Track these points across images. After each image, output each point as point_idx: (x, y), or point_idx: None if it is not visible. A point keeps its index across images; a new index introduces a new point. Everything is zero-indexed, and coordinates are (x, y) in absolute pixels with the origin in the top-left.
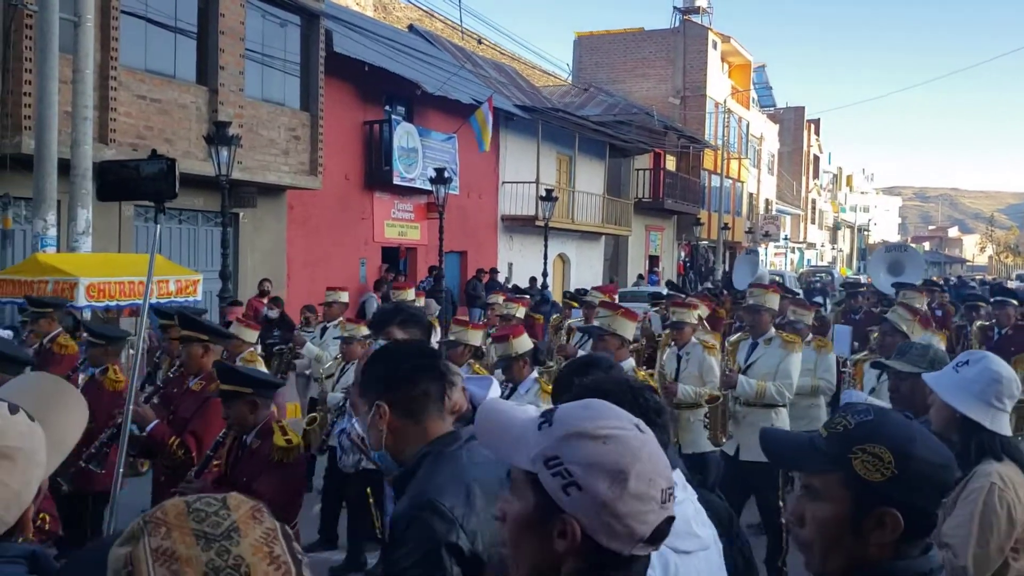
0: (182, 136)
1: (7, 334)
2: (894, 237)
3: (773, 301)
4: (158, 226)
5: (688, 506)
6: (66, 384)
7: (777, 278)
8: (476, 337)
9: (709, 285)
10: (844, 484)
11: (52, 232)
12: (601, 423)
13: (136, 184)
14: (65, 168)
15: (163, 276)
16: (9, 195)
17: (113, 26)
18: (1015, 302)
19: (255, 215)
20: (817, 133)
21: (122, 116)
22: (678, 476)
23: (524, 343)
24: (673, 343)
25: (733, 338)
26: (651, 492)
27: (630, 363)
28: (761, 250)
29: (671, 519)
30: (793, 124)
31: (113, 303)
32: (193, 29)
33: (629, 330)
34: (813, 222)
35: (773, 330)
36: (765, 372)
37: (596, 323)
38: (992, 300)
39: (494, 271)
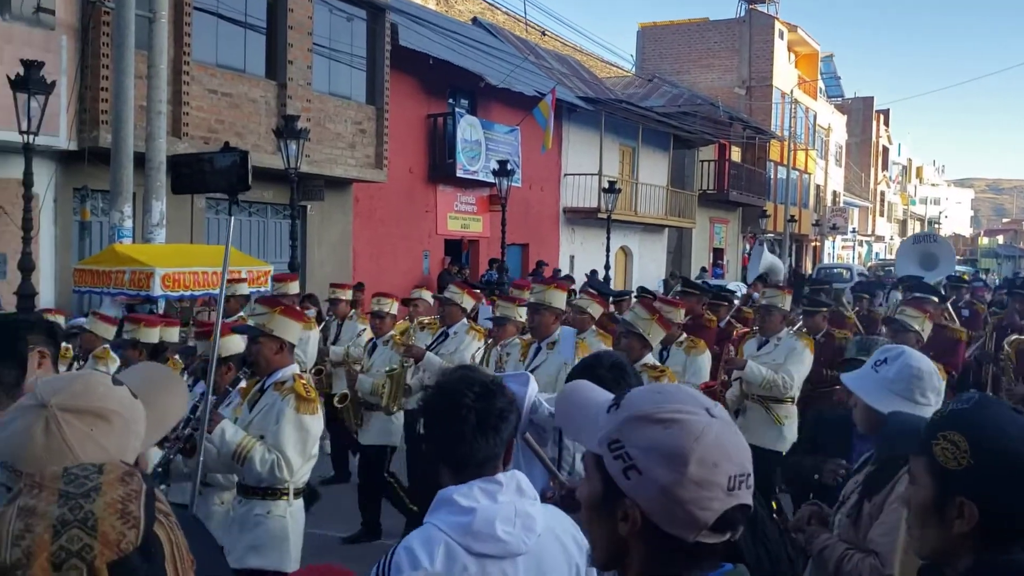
0: (252, 130)
1: (84, 321)
2: (966, 230)
3: (785, 301)
4: (231, 218)
5: (506, 508)
6: (171, 371)
7: (844, 271)
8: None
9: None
10: (928, 470)
11: (128, 224)
12: (665, 406)
13: (209, 177)
14: (140, 161)
15: (235, 267)
16: (87, 188)
17: (186, 22)
18: None
19: (322, 208)
20: (886, 124)
21: (194, 110)
22: (510, 478)
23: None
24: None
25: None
26: (714, 478)
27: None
28: (829, 243)
29: (744, 507)
30: (862, 114)
31: (187, 293)
32: (262, 24)
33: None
34: (882, 215)
35: (786, 330)
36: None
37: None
38: None
39: (541, 265)
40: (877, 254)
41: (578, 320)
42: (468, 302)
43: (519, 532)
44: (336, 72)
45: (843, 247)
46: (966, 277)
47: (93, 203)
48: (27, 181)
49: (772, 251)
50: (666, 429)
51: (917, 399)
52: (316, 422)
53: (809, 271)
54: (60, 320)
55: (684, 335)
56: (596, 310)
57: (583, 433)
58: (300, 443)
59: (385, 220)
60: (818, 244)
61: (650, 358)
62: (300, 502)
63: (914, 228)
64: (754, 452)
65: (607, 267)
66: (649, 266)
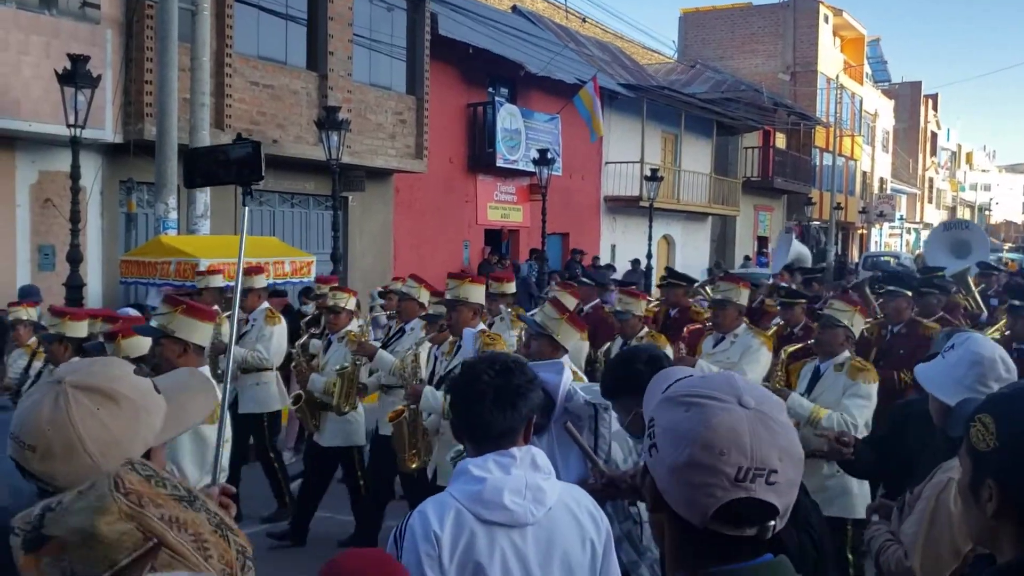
0: (294, 121)
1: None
2: (1018, 217)
3: (742, 296)
4: (246, 209)
5: (516, 480)
6: (206, 377)
7: (892, 259)
8: (571, 302)
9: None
10: (966, 452)
11: (173, 215)
12: (694, 390)
13: (223, 168)
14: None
15: (279, 258)
16: (133, 180)
17: (228, 14)
18: None
19: (363, 198)
20: (935, 108)
21: (237, 102)
22: (525, 452)
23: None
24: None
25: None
26: (719, 466)
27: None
28: (876, 230)
29: (756, 503)
30: (909, 99)
31: (231, 283)
32: (303, 16)
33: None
34: (930, 202)
35: (744, 327)
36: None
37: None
38: None
39: (576, 254)
40: (926, 242)
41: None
42: (425, 296)
43: (527, 503)
44: (376, 62)
45: (890, 235)
46: (1013, 266)
47: (139, 195)
48: (74, 174)
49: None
50: (686, 412)
51: (977, 387)
52: (214, 431)
53: (856, 260)
54: (31, 313)
55: (645, 329)
56: (570, 303)
57: (647, 415)
58: (197, 454)
59: (425, 210)
60: (865, 232)
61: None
62: None
63: (964, 215)
64: None
65: (649, 256)
66: (692, 255)
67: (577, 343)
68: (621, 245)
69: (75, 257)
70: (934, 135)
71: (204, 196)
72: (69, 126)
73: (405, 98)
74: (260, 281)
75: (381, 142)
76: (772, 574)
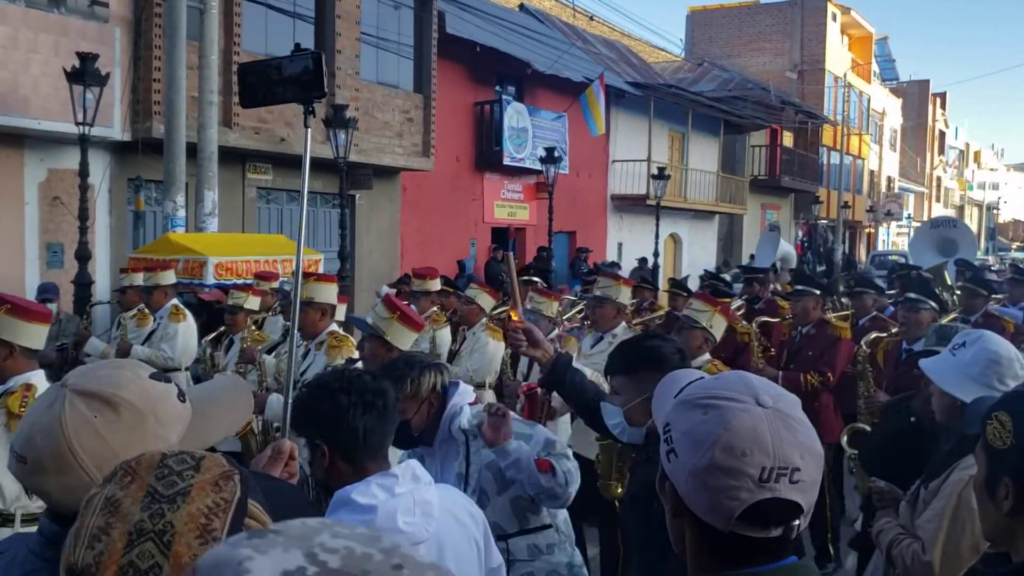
0: (301, 119)
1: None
2: None
3: (622, 294)
4: (308, 129)
5: (405, 500)
6: (244, 386)
7: (899, 258)
8: (488, 302)
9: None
10: (982, 448)
11: (181, 213)
12: (712, 392)
13: (278, 85)
14: (192, 151)
15: (286, 256)
16: (141, 178)
17: (236, 12)
18: None
19: (371, 197)
20: (943, 107)
21: None
22: (405, 468)
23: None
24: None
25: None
26: (743, 467)
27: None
28: (883, 229)
29: (781, 503)
30: (917, 98)
31: (240, 280)
32: (311, 14)
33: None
34: (938, 200)
35: (623, 327)
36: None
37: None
38: None
39: (582, 252)
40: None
41: (466, 312)
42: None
43: (420, 520)
44: (384, 61)
45: (898, 233)
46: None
47: (147, 193)
48: (83, 172)
49: (814, 238)
50: (704, 414)
51: (995, 385)
52: None
53: (863, 258)
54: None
55: (556, 331)
56: (487, 302)
57: (658, 417)
58: None
59: (432, 208)
60: (872, 231)
61: None
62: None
63: (972, 214)
64: None
65: (656, 254)
66: (699, 253)
67: (412, 341)
68: (628, 243)
69: (83, 255)
70: (942, 134)
71: (212, 194)
72: (78, 124)
73: (412, 96)
74: (167, 278)
75: (388, 140)
76: None
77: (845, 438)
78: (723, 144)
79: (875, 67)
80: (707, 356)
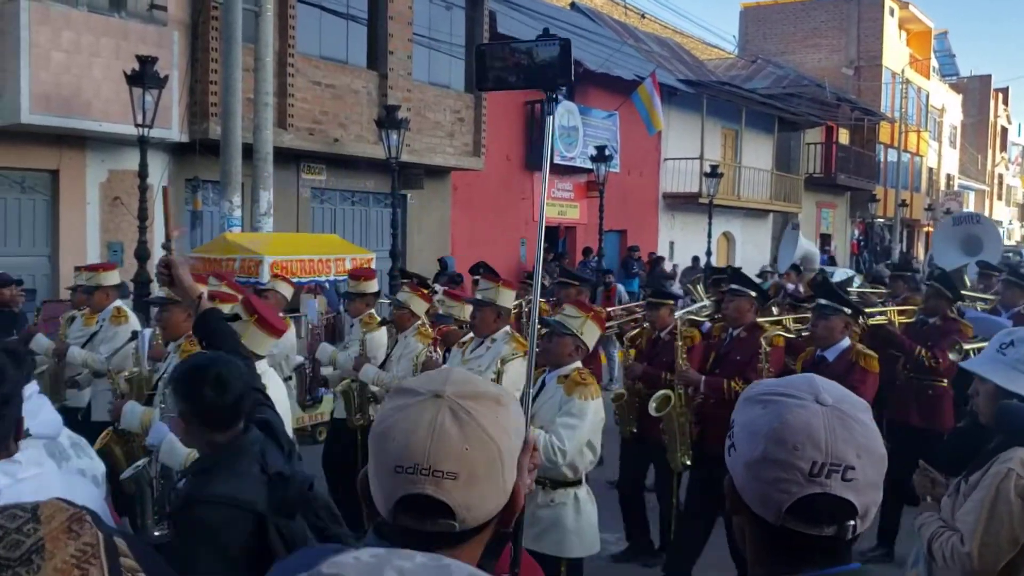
0: (354, 120)
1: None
2: None
3: (502, 296)
4: (550, 118)
5: (29, 484)
6: None
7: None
8: (420, 306)
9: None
10: None
11: (237, 213)
12: (772, 389)
13: (527, 71)
14: (248, 152)
15: (339, 255)
16: (198, 178)
17: (291, 15)
18: None
19: (422, 196)
20: (1005, 103)
21: (299, 102)
22: (26, 455)
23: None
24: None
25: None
26: (794, 461)
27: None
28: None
29: (832, 499)
30: (978, 94)
31: (294, 279)
32: (364, 15)
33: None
34: (1000, 198)
35: (504, 332)
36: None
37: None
38: None
39: (632, 251)
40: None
41: (396, 317)
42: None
43: None
44: (435, 61)
45: None
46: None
47: (204, 193)
48: (142, 172)
49: (871, 237)
50: (763, 409)
51: None
52: None
53: (921, 257)
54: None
55: (417, 323)
56: (419, 306)
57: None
58: None
59: (482, 207)
60: (931, 229)
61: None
62: None
63: None
64: None
65: (708, 253)
66: (752, 252)
67: (283, 342)
68: (680, 242)
69: (142, 254)
70: (1004, 130)
71: (267, 194)
72: (137, 126)
73: (463, 96)
74: (110, 278)
75: (439, 140)
76: None
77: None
78: (777, 142)
79: (934, 62)
80: (577, 364)
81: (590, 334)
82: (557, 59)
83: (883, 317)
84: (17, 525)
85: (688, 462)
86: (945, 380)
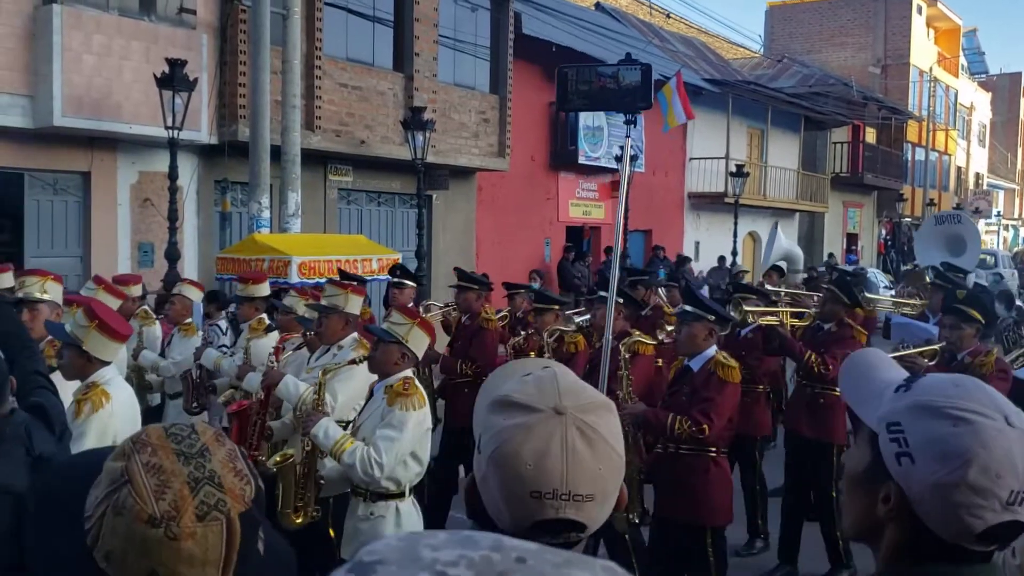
0: (380, 122)
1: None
2: None
3: (349, 301)
4: (628, 139)
5: None
6: None
7: (989, 257)
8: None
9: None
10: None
11: (266, 214)
12: (959, 403)
13: (612, 94)
14: (276, 154)
15: (366, 255)
16: (227, 180)
17: (318, 17)
18: None
19: (447, 197)
20: None
21: (326, 104)
22: None
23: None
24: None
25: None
26: (994, 489)
27: None
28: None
29: (1018, 525)
30: (1008, 91)
31: (322, 280)
32: (390, 17)
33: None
34: None
35: (351, 339)
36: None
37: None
38: None
39: (658, 251)
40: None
41: (281, 322)
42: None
43: None
44: (460, 62)
45: (987, 232)
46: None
47: (233, 194)
48: (172, 174)
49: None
50: (955, 427)
51: None
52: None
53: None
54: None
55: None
56: (195, 295)
57: (863, 405)
58: None
59: (507, 208)
60: None
61: (104, 372)
62: None
63: None
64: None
65: (734, 253)
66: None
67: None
68: (705, 242)
69: (173, 255)
70: None
71: (295, 195)
72: (167, 128)
73: (488, 97)
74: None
75: (465, 141)
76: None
77: None
78: (803, 141)
79: (963, 60)
80: (407, 372)
81: (417, 341)
82: (639, 84)
83: (775, 319)
84: (185, 435)
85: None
86: (838, 390)
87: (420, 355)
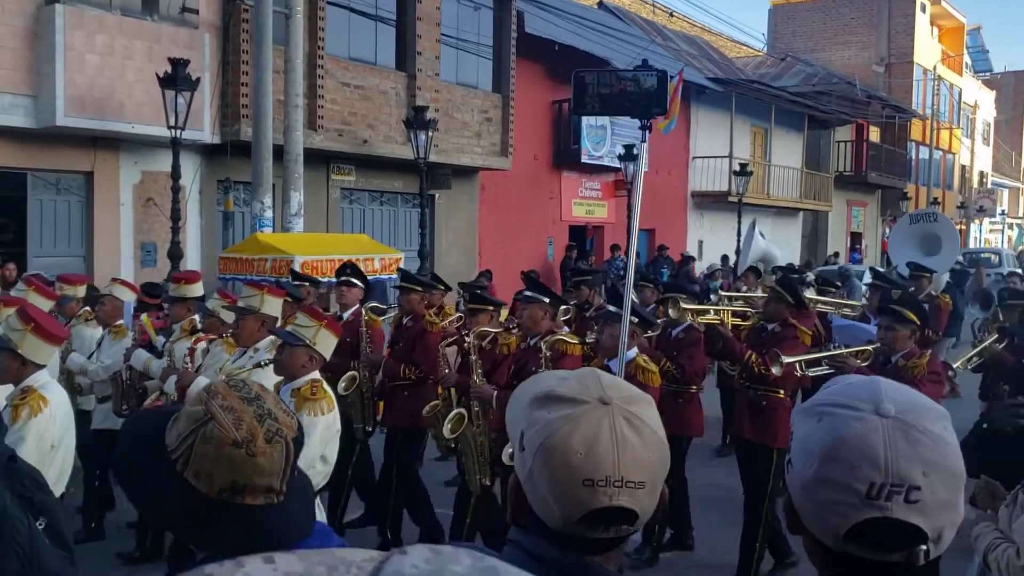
0: (383, 121)
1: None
2: None
3: (267, 303)
4: (644, 145)
5: None
6: None
7: (993, 256)
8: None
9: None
10: None
11: (269, 214)
12: (830, 399)
13: (628, 98)
14: (279, 153)
15: (368, 255)
16: (230, 179)
17: (320, 16)
18: None
19: (450, 196)
20: None
21: (329, 103)
22: None
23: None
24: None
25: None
26: (850, 482)
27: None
28: (975, 226)
29: (895, 524)
30: (1013, 90)
31: (325, 279)
32: (392, 17)
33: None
34: None
35: (268, 341)
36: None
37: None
38: None
39: (662, 250)
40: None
41: (207, 325)
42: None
43: None
44: (463, 61)
45: (991, 230)
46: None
47: (235, 194)
48: (175, 174)
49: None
50: (818, 422)
51: None
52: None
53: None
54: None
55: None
56: (127, 295)
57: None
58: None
59: (510, 207)
60: (964, 227)
61: (39, 376)
62: None
63: None
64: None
65: (737, 252)
66: (783, 251)
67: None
68: (709, 241)
69: (175, 254)
70: None
71: (298, 195)
72: (170, 128)
73: (491, 96)
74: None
75: (467, 140)
76: None
77: None
78: (807, 140)
79: (967, 58)
80: (314, 375)
81: (324, 343)
82: (656, 89)
83: (715, 317)
84: (241, 386)
85: (488, 482)
86: (781, 391)
87: (327, 357)
